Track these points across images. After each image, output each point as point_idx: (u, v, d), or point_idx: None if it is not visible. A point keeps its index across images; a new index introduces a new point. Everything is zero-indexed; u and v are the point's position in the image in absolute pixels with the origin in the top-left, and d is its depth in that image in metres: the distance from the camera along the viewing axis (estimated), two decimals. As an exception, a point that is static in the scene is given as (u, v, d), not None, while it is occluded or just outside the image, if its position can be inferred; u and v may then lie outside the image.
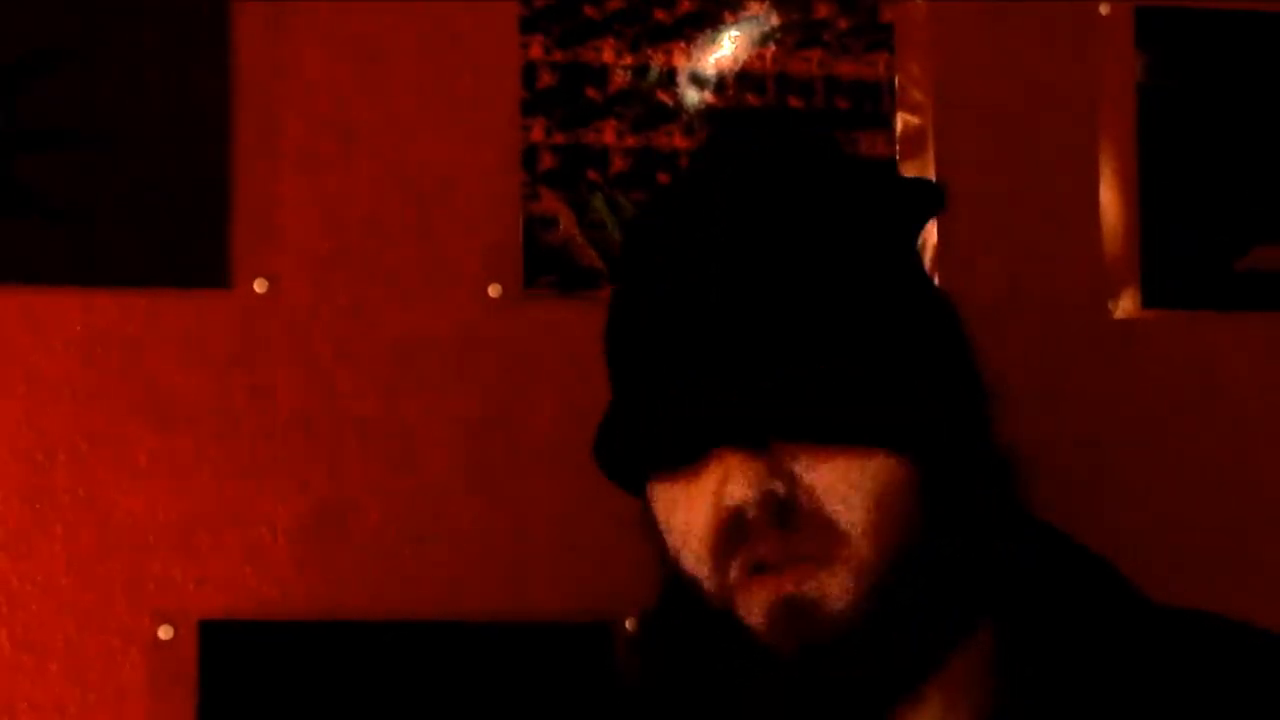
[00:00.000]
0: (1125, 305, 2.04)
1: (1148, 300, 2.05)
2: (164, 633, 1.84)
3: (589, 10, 1.97)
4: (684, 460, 1.27)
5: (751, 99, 1.99)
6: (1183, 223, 2.06)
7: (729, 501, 1.23)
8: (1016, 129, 2.04)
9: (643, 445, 1.29)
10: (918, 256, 1.36)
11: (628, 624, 1.89)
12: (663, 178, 1.97)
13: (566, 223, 1.95)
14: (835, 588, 1.23)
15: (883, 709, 1.28)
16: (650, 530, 1.34)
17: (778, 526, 1.23)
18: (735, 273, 1.25)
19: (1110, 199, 2.05)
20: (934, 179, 1.38)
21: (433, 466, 1.91)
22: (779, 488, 1.23)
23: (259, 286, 1.89)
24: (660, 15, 1.98)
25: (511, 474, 1.92)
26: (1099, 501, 1.95)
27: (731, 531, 1.24)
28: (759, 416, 1.24)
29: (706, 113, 1.98)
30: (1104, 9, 2.07)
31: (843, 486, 1.24)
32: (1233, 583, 1.97)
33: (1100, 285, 2.04)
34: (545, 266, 1.94)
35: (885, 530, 1.24)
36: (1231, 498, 2.04)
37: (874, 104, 2.01)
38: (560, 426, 1.93)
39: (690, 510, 1.27)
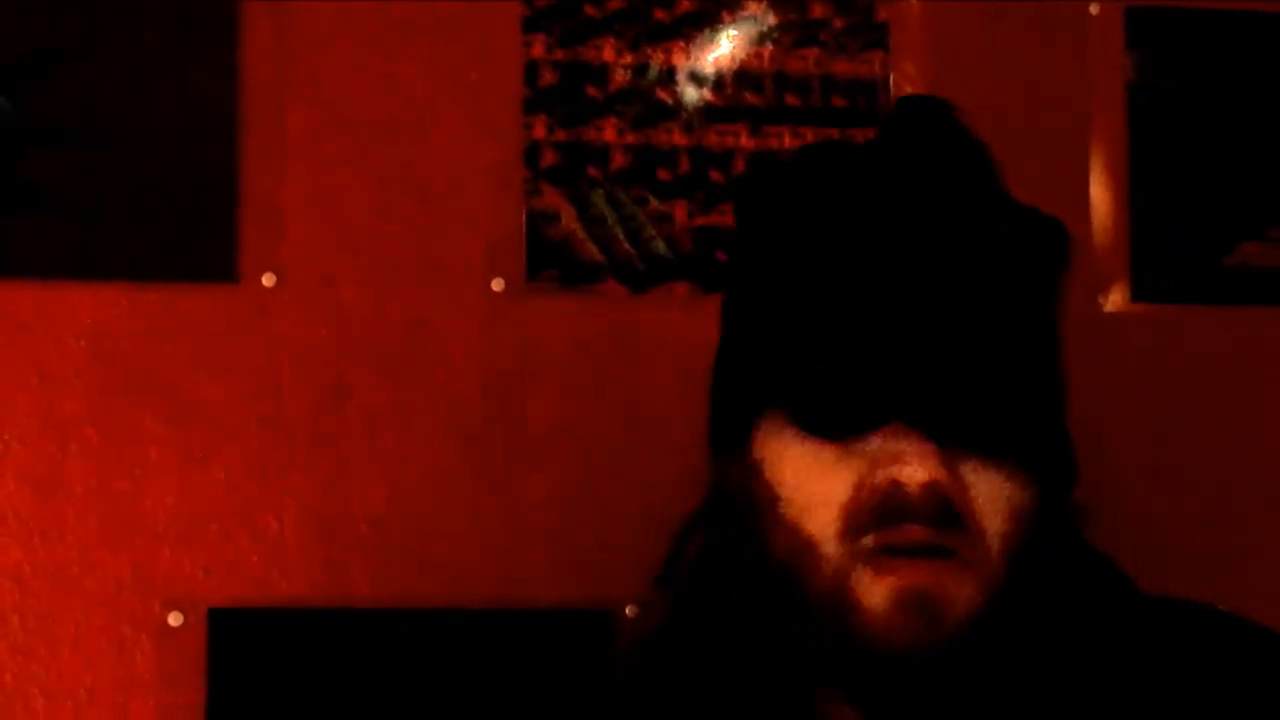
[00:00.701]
0: (1115, 299, 2.05)
1: (1137, 295, 2.05)
2: (174, 620, 1.84)
3: (590, 10, 1.97)
4: (860, 426, 1.26)
5: (749, 97, 1.99)
6: (1172, 219, 2.06)
7: (903, 479, 1.23)
8: (1009, 127, 1.94)
9: (815, 398, 1.27)
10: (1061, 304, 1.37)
11: (628, 611, 1.89)
12: (663, 174, 1.97)
13: (568, 218, 1.95)
14: (966, 592, 1.24)
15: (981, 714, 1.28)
16: (731, 487, 1.32)
17: (933, 518, 1.23)
18: (935, 266, 1.26)
19: (1100, 195, 2.05)
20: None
21: (436, 456, 1.91)
22: (950, 482, 1.24)
23: (266, 281, 1.90)
24: (660, 15, 1.99)
25: (513, 465, 1.92)
26: (1088, 493, 1.98)
27: (884, 506, 1.24)
28: (943, 409, 1.24)
29: (706, 110, 1.98)
30: (1094, 9, 2.06)
31: (995, 500, 1.26)
32: (1221, 574, 1.94)
33: (1090, 280, 2.04)
34: (547, 261, 1.94)
35: (1013, 549, 1.26)
36: (1220, 489, 2.05)
37: (869, 102, 2.01)
38: (561, 418, 1.94)
39: (836, 477, 1.26)
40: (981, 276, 1.27)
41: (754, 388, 1.31)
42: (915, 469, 1.23)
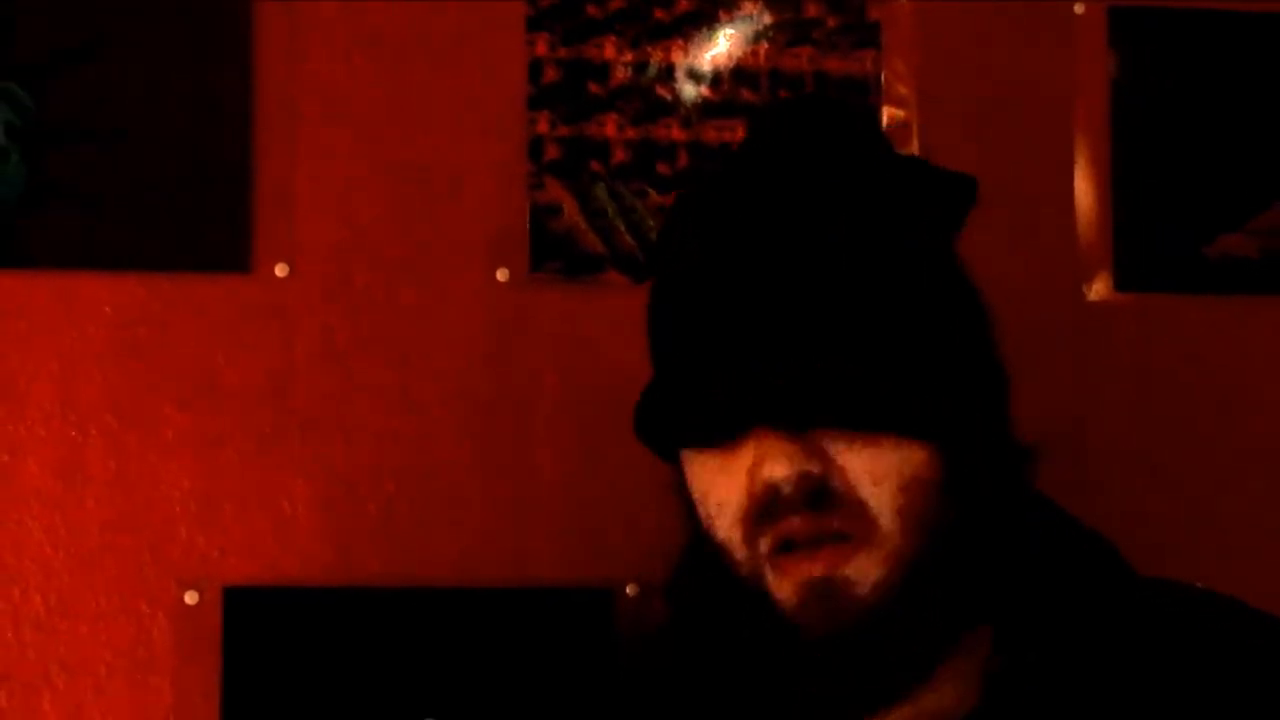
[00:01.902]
0: (1099, 289, 2.06)
1: (1120, 284, 2.06)
2: (190, 598, 1.86)
3: (591, 9, 1.98)
4: (722, 437, 1.27)
5: (746, 93, 1.99)
6: (1154, 211, 2.07)
7: (767, 479, 1.24)
8: (996, 122, 2.04)
9: (682, 419, 1.30)
10: (955, 249, 1.35)
11: (628, 589, 1.89)
12: (662, 168, 1.97)
13: (570, 211, 1.96)
14: (865, 571, 1.24)
15: (901, 689, 1.28)
16: (682, 495, 1.34)
17: (811, 506, 1.24)
18: (781, 259, 1.25)
19: (1085, 188, 2.06)
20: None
21: (443, 441, 1.92)
22: (815, 468, 1.23)
23: (279, 271, 1.91)
24: (659, 14, 1.99)
25: (517, 448, 1.93)
26: (1073, 479, 1.96)
27: (765, 507, 1.25)
28: (799, 401, 1.24)
29: (703, 106, 1.99)
30: (1079, 9, 2.07)
31: (876, 472, 1.25)
32: (1204, 560, 1.98)
33: (1075, 270, 2.05)
34: (550, 252, 1.95)
35: (913, 516, 1.25)
36: (1203, 475, 2.06)
37: (861, 98, 2.01)
38: (563, 403, 1.94)
39: (725, 484, 1.28)
40: (831, 261, 1.25)
41: (655, 417, 1.33)
42: (779, 467, 1.23)
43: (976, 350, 1.32)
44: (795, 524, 1.24)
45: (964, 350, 1.31)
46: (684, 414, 1.29)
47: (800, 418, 1.24)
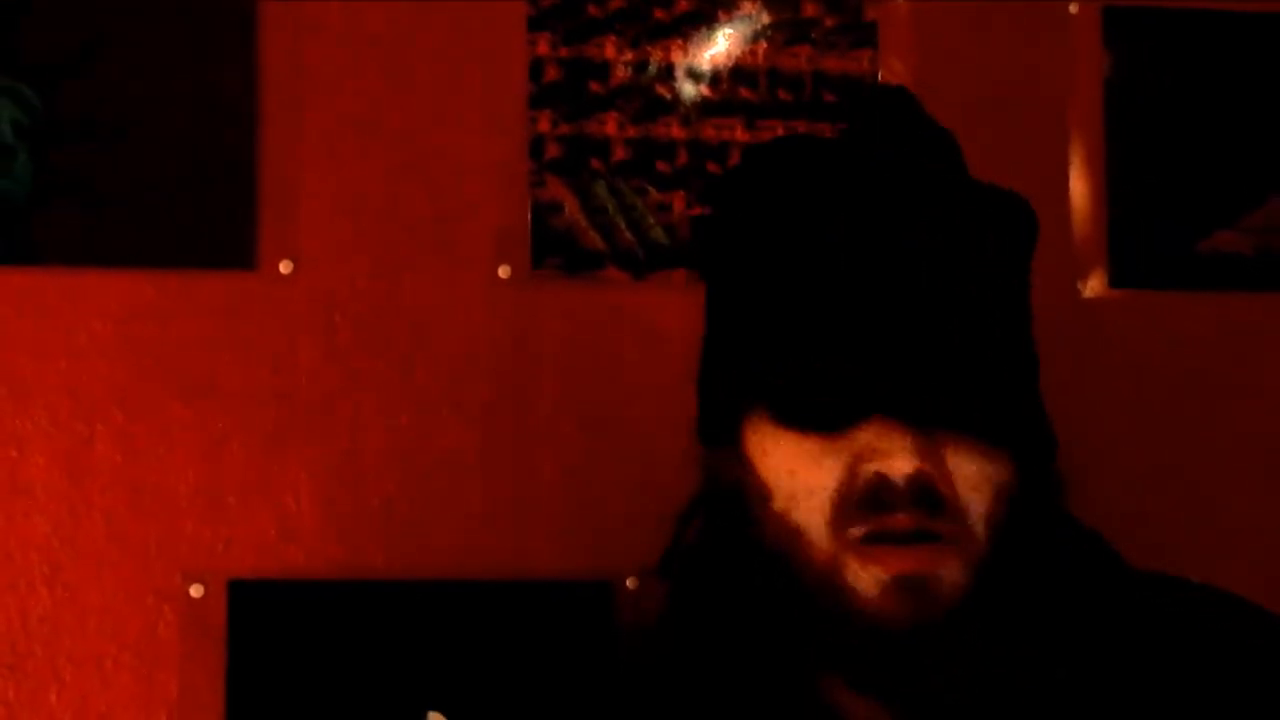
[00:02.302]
0: (1094, 285, 2.07)
1: (1115, 280, 2.07)
2: (195, 591, 1.87)
3: (592, 9, 1.98)
4: (842, 421, 1.26)
5: (744, 92, 2.00)
6: (1148, 208, 2.08)
7: (886, 471, 1.23)
8: (992, 121, 2.03)
9: (793, 395, 1.27)
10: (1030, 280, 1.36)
11: (628, 582, 1.90)
12: (661, 166, 1.98)
13: (571, 208, 1.96)
14: (953, 572, 1.24)
15: (978, 690, 1.28)
16: (723, 476, 1.32)
17: (920, 504, 1.23)
18: (921, 256, 1.25)
19: (1079, 186, 2.07)
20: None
21: (445, 435, 1.93)
22: (932, 468, 1.24)
23: (284, 268, 1.91)
24: (659, 14, 2.00)
25: (518, 442, 1.94)
26: (1068, 474, 1.97)
27: (869, 497, 1.24)
28: (923, 399, 1.23)
29: (703, 105, 1.99)
30: (1073, 9, 2.08)
31: (978, 478, 1.25)
32: (1197, 553, 1.98)
33: (1070, 266, 2.06)
34: (551, 249, 1.96)
35: (998, 526, 1.26)
36: (1197, 467, 2.07)
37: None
38: (564, 398, 1.95)
39: (821, 469, 1.26)
40: (953, 261, 1.26)
41: (737, 385, 1.31)
42: (900, 462, 1.23)
43: (1036, 367, 1.34)
44: (902, 520, 1.24)
45: (1033, 367, 1.33)
46: (801, 389, 1.27)
47: (923, 413, 1.24)
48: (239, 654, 1.87)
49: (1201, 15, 2.11)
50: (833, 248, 1.27)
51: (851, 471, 1.25)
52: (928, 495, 1.24)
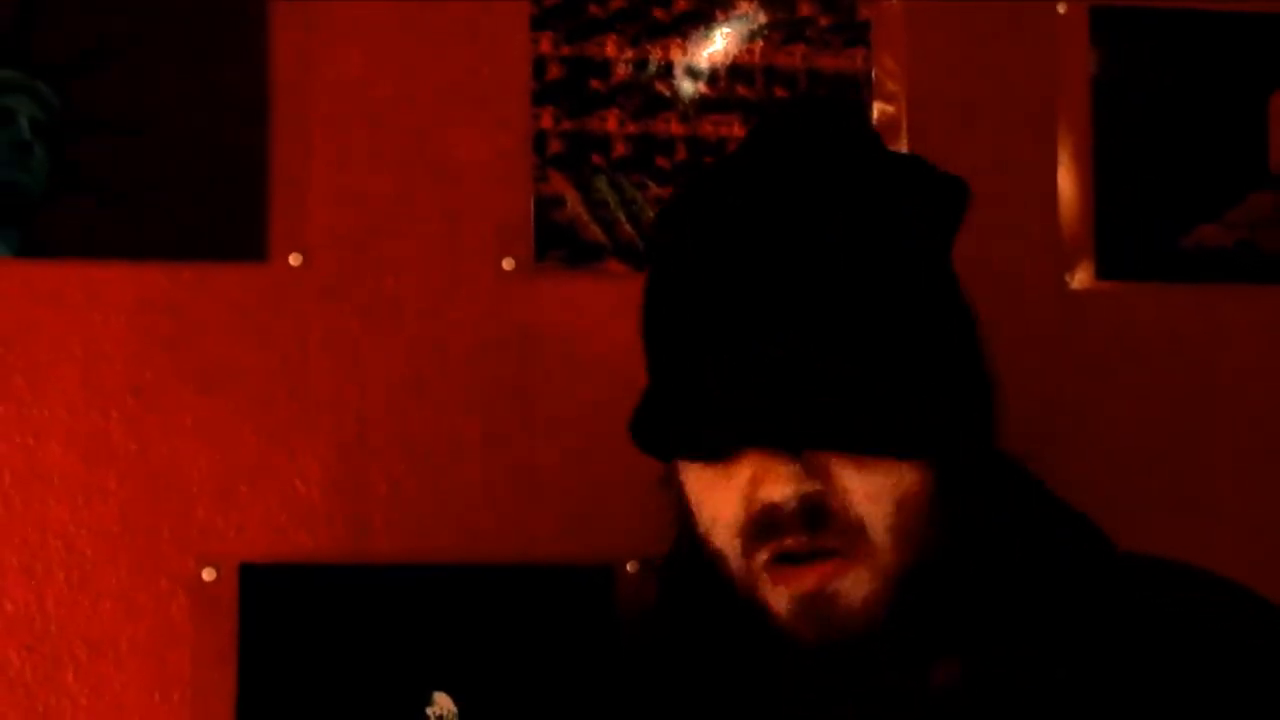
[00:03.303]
0: (1081, 277, 2.07)
1: (1101, 273, 2.08)
2: (207, 575, 1.88)
3: (594, 9, 1.99)
4: (718, 455, 1.26)
5: (741, 90, 2.01)
6: (1134, 203, 2.09)
7: (766, 499, 1.24)
8: (982, 117, 2.06)
9: (677, 433, 1.28)
10: (949, 257, 1.33)
11: (628, 567, 1.91)
12: (661, 161, 1.99)
13: (573, 202, 1.97)
14: (859, 586, 1.25)
15: (894, 699, 1.28)
16: (674, 494, 1.34)
17: (808, 525, 1.24)
18: (778, 271, 1.24)
19: (1067, 181, 2.08)
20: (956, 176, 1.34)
21: (450, 423, 1.94)
22: (814, 488, 1.23)
23: (293, 260, 1.93)
24: (658, 13, 2.01)
25: (522, 430, 1.95)
26: (1054, 461, 1.91)
27: (763, 524, 1.25)
28: (797, 422, 1.23)
29: (701, 102, 2.00)
30: (1061, 8, 2.09)
31: (872, 490, 1.24)
32: (1182, 542, 1.85)
33: (1058, 259, 2.07)
34: (554, 242, 1.97)
35: (905, 533, 1.25)
36: (1181, 456, 2.08)
37: (852, 94, 2.02)
38: (566, 386, 1.96)
39: (721, 498, 1.27)
40: (836, 279, 1.24)
41: (652, 422, 1.31)
42: (779, 487, 1.23)
43: (968, 362, 1.31)
44: (791, 543, 1.25)
45: (957, 364, 1.30)
46: (679, 427, 1.28)
47: (798, 438, 1.24)
48: (250, 636, 1.88)
49: (1186, 15, 2.12)
50: (704, 274, 1.26)
51: (746, 499, 1.26)
52: (815, 515, 1.24)
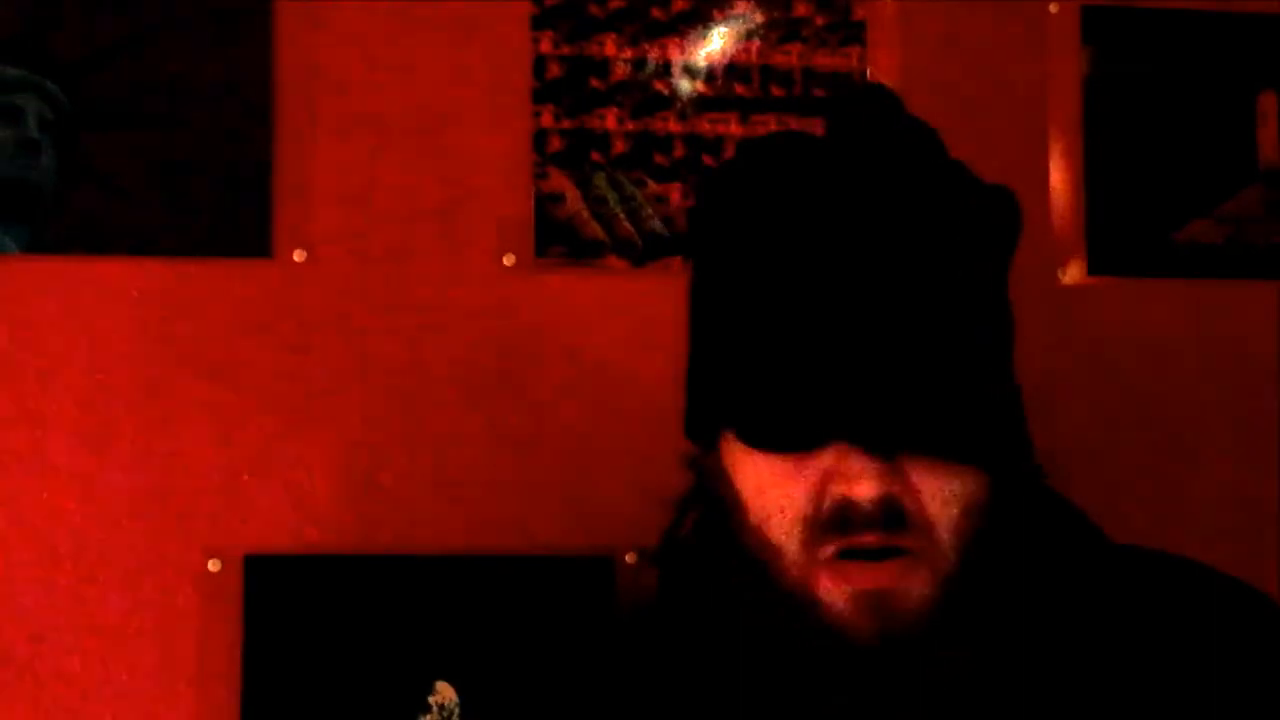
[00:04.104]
0: (1073, 273, 2.08)
1: (1093, 268, 2.08)
2: (213, 566, 1.89)
3: (593, 9, 2.00)
4: (804, 445, 1.25)
5: (738, 88, 2.01)
6: (1125, 199, 2.09)
7: (850, 495, 1.23)
8: (975, 115, 2.06)
9: (758, 418, 1.26)
10: (1007, 273, 1.33)
11: (627, 557, 1.92)
12: (659, 159, 1.99)
13: (573, 199, 1.98)
14: (920, 586, 1.25)
15: (945, 700, 1.27)
16: (708, 480, 1.33)
17: (886, 526, 1.24)
18: (877, 276, 1.23)
19: (1059, 177, 2.09)
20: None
21: (453, 416, 1.95)
22: (896, 489, 1.24)
23: (298, 256, 1.93)
24: (657, 13, 2.02)
25: (523, 423, 1.95)
26: (1045, 455, 1.87)
27: (837, 519, 1.24)
28: (885, 422, 1.22)
29: (699, 101, 2.01)
30: (1053, 8, 2.10)
31: (945, 495, 1.25)
32: (1173, 536, 1.84)
33: (1050, 255, 2.07)
34: (554, 238, 1.98)
35: (965, 538, 1.26)
36: (1169, 449, 2.08)
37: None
38: (566, 380, 1.97)
39: (791, 488, 1.26)
40: (923, 279, 1.24)
41: (710, 404, 1.30)
42: (865, 485, 1.23)
43: (1012, 375, 1.32)
44: (869, 539, 1.24)
45: (1009, 378, 1.31)
46: (762, 413, 1.26)
47: (886, 437, 1.23)
48: (255, 626, 1.89)
49: (1176, 15, 2.13)
50: (798, 265, 1.25)
51: (818, 493, 1.25)
52: (894, 515, 1.24)
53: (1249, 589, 1.37)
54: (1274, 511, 2.11)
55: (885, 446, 1.23)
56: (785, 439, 1.26)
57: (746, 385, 1.27)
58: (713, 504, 1.33)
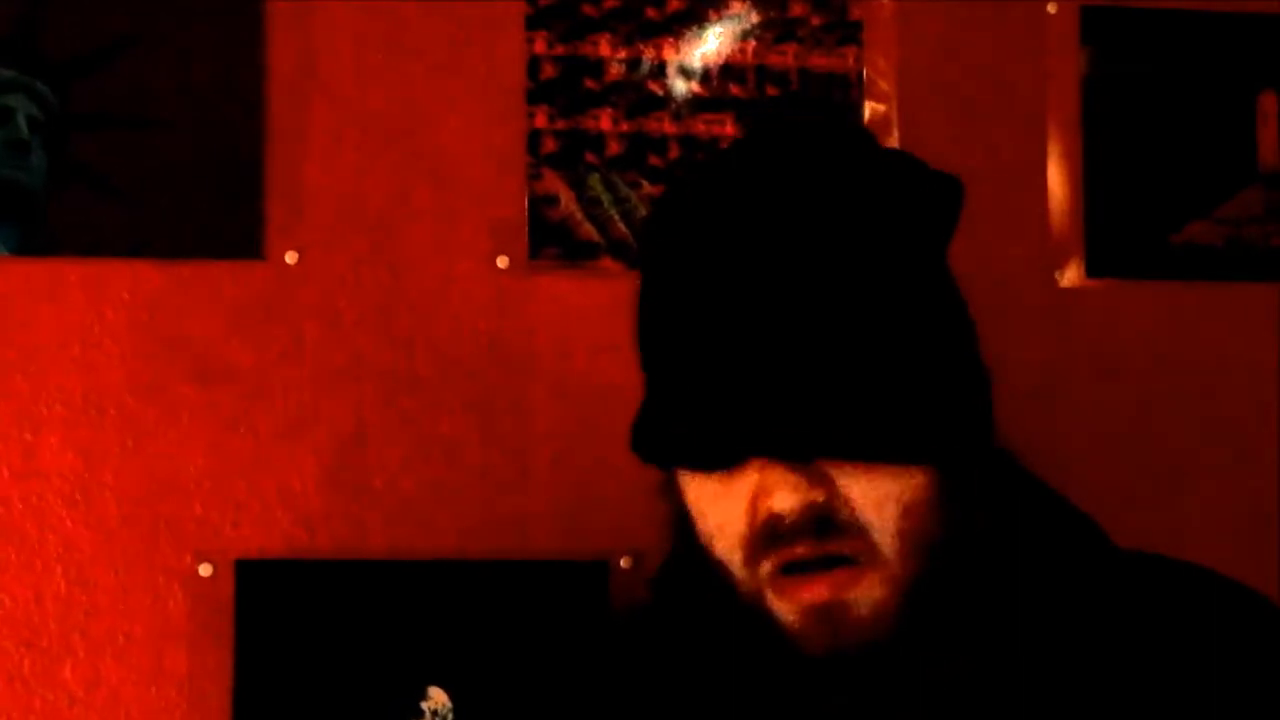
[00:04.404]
0: (1070, 275, 2.08)
1: (1091, 271, 2.08)
2: (204, 570, 1.89)
3: (588, 9, 2.00)
4: (722, 465, 1.24)
5: (734, 89, 2.02)
6: (1124, 200, 2.09)
7: (771, 509, 1.22)
8: (973, 116, 2.07)
9: (679, 443, 1.26)
10: (945, 257, 1.31)
11: (622, 562, 1.92)
12: (654, 160, 2.00)
13: (567, 200, 1.98)
14: (868, 594, 1.23)
15: (903, 709, 1.26)
16: (672, 503, 1.32)
17: (816, 533, 1.22)
18: (777, 283, 1.22)
19: (1057, 178, 2.09)
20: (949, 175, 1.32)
21: (445, 419, 1.94)
22: (820, 497, 1.22)
23: (290, 258, 1.93)
24: (651, 13, 2.02)
25: (516, 426, 1.95)
26: (1045, 457, 1.90)
27: (768, 535, 1.23)
28: (801, 431, 1.21)
29: (694, 101, 2.01)
30: (1052, 8, 2.10)
31: (878, 497, 1.23)
32: (1171, 538, 1.86)
33: (1048, 257, 2.08)
34: (548, 240, 1.98)
35: (912, 538, 1.24)
36: (1170, 453, 2.08)
37: (844, 93, 2.03)
38: (560, 383, 1.97)
39: (724, 508, 1.25)
40: (832, 284, 1.22)
41: (645, 428, 1.29)
42: (784, 497, 1.21)
43: (965, 363, 1.29)
44: (800, 550, 1.23)
45: (956, 366, 1.28)
46: (681, 438, 1.26)
47: (802, 447, 1.22)
48: (246, 631, 1.89)
49: (1175, 15, 2.13)
50: (712, 281, 1.24)
51: (750, 510, 1.24)
52: (821, 523, 1.22)
53: (1251, 592, 1.36)
54: (1274, 516, 2.11)
55: (800, 455, 1.22)
56: (707, 458, 1.25)
57: (669, 409, 1.27)
58: (679, 524, 1.33)
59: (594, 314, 1.99)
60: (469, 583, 1.93)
